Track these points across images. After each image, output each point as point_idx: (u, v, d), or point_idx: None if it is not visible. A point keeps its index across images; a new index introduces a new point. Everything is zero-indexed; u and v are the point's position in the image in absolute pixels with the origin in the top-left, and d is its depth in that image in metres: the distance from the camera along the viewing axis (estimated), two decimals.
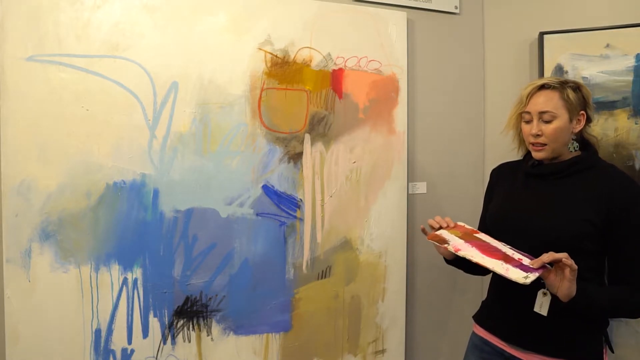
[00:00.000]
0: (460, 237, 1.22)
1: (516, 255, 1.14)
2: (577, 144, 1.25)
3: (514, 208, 1.28)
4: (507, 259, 1.12)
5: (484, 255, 1.13)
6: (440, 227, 1.28)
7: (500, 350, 1.28)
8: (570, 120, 1.22)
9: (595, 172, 1.21)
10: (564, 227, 1.17)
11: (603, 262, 1.21)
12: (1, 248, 1.31)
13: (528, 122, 1.25)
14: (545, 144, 1.22)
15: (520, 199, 1.28)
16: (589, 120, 1.26)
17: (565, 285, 1.07)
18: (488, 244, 1.19)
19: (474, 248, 1.17)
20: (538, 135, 1.22)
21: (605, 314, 1.21)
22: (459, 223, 1.30)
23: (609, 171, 1.21)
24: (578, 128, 1.24)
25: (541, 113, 1.21)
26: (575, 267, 1.06)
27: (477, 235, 1.23)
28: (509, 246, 1.18)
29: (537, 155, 1.25)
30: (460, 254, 1.15)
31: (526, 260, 1.11)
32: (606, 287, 1.20)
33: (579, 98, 1.22)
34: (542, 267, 1.08)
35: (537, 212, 1.23)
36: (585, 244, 1.16)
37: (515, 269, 1.08)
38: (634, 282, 1.15)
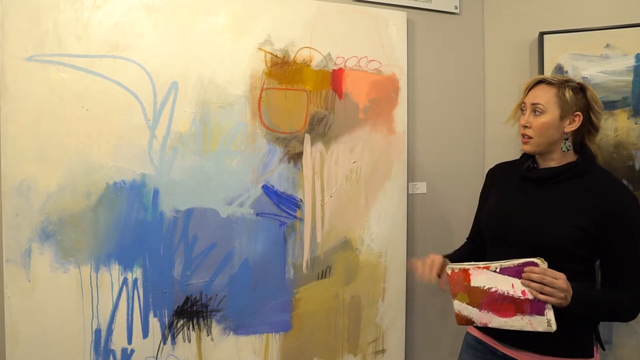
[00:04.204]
0: (470, 302, 1.23)
1: (517, 286, 1.14)
2: (570, 144, 1.25)
3: (507, 210, 1.29)
4: (519, 307, 1.14)
5: (505, 319, 1.17)
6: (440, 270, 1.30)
7: (492, 349, 1.29)
8: (562, 118, 1.21)
9: (589, 179, 1.21)
10: (553, 232, 1.18)
11: (593, 265, 1.22)
12: (1, 248, 1.31)
13: (523, 112, 1.28)
14: (531, 137, 1.24)
15: (513, 202, 1.30)
16: (594, 127, 1.25)
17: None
18: (491, 294, 1.18)
19: (490, 313, 1.19)
20: (526, 126, 1.25)
21: (599, 318, 1.22)
22: (448, 272, 1.27)
23: (602, 178, 1.21)
24: (571, 128, 1.22)
25: (533, 105, 1.23)
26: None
27: (472, 283, 1.22)
28: (495, 268, 1.17)
29: (523, 147, 1.28)
30: (490, 325, 1.20)
31: (526, 291, 1.12)
32: (600, 290, 1.21)
33: (577, 99, 1.22)
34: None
35: (529, 216, 1.24)
36: (574, 250, 1.17)
37: (534, 316, 1.12)
38: (628, 287, 1.16)
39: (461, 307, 1.25)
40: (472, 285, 1.21)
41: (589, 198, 1.18)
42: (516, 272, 1.14)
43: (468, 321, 1.24)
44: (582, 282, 1.17)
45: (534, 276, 1.09)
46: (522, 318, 1.14)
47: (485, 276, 1.19)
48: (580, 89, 1.24)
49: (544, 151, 1.26)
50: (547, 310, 1.10)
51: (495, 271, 1.17)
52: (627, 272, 1.16)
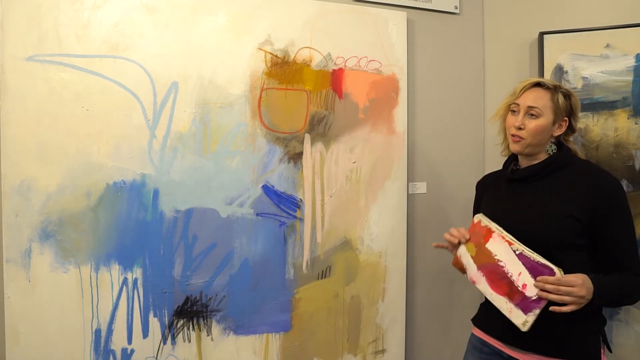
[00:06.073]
0: (474, 257, 1.25)
1: (522, 277, 1.14)
2: (555, 147, 1.30)
3: (499, 214, 1.30)
4: (511, 293, 1.16)
5: (492, 291, 1.20)
6: (459, 242, 1.31)
7: (498, 351, 1.29)
8: (554, 122, 1.26)
9: (571, 169, 1.26)
10: (548, 226, 1.20)
11: (590, 255, 1.22)
12: (1, 248, 1.31)
13: (514, 112, 1.30)
14: (523, 138, 1.26)
15: (504, 205, 1.32)
16: (572, 129, 1.31)
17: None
18: (496, 266, 1.20)
19: (483, 278, 1.22)
20: (520, 128, 1.26)
21: (615, 304, 1.26)
22: (475, 220, 1.30)
23: (585, 167, 1.26)
24: (558, 132, 1.28)
25: (529, 108, 1.25)
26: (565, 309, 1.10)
27: (488, 245, 1.23)
28: (516, 249, 1.18)
29: (513, 147, 1.30)
30: (477, 286, 1.24)
31: (531, 289, 1.12)
32: (611, 277, 1.21)
33: (566, 105, 1.27)
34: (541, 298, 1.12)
35: (521, 215, 1.26)
36: (572, 240, 1.19)
37: (517, 309, 1.14)
38: (631, 268, 1.18)
39: (464, 254, 1.28)
40: (486, 246, 1.23)
41: (575, 187, 1.21)
42: (531, 267, 1.14)
43: (461, 268, 1.29)
44: (585, 273, 1.18)
45: (548, 287, 1.10)
46: (507, 302, 1.16)
47: (503, 248, 1.20)
48: (569, 95, 1.29)
49: (531, 153, 1.29)
50: (530, 314, 1.12)
51: (514, 251, 1.18)
52: (622, 255, 1.19)
